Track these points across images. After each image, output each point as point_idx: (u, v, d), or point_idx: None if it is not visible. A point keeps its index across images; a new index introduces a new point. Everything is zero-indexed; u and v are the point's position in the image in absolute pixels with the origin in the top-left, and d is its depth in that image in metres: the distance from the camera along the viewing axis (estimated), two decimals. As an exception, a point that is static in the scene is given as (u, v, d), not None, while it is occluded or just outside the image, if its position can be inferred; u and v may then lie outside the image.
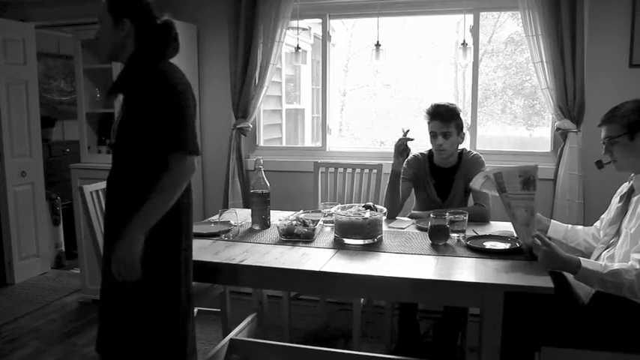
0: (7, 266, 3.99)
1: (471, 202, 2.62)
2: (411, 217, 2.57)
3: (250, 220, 2.38)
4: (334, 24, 3.95)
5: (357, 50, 6.03)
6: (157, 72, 1.63)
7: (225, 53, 3.47)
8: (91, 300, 3.58)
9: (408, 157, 2.53)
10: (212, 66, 3.67)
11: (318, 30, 3.96)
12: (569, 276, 1.86)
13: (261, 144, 3.83)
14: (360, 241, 2.07)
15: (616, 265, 1.74)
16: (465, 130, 2.63)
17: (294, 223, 2.20)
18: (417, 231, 2.30)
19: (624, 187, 2.02)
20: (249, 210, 2.42)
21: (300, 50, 3.45)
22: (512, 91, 5.75)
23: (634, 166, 1.90)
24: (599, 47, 2.98)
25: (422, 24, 5.22)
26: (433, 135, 2.57)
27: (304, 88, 5.42)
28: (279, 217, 2.35)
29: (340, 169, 3.19)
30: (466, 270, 1.80)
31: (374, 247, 2.05)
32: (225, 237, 2.19)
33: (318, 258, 1.92)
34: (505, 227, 2.27)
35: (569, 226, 2.24)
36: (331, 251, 2.00)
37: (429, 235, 2.09)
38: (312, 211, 2.53)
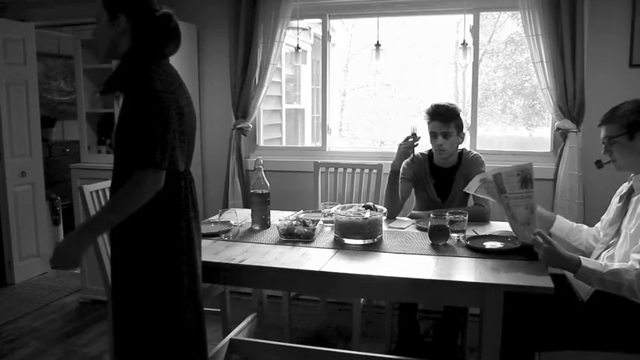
0: (7, 266, 3.99)
1: (471, 202, 2.62)
2: (411, 217, 2.57)
3: (250, 220, 2.37)
4: (334, 24, 3.95)
5: (357, 50, 6.03)
6: (144, 75, 1.57)
7: (225, 53, 3.47)
8: (90, 300, 3.58)
9: (408, 159, 2.53)
10: (212, 66, 3.67)
11: (318, 30, 3.96)
12: (569, 274, 1.86)
13: (261, 144, 3.83)
14: (360, 241, 2.07)
15: (616, 265, 1.74)
16: (464, 130, 2.63)
17: (294, 223, 2.20)
18: (417, 231, 2.30)
19: (624, 188, 2.02)
20: (249, 210, 2.42)
21: (300, 50, 3.45)
22: (512, 91, 5.75)
23: (633, 166, 1.90)
24: (599, 47, 2.98)
25: (422, 24, 5.22)
26: (433, 135, 2.57)
27: (304, 88, 5.42)
28: (279, 217, 2.35)
29: (340, 169, 3.19)
30: (466, 270, 1.80)
31: (374, 247, 2.05)
32: (225, 237, 2.19)
33: (318, 258, 1.92)
34: (505, 227, 2.26)
35: (575, 224, 2.23)
36: (331, 251, 2.00)
37: (429, 235, 2.09)
38: (312, 211, 2.52)
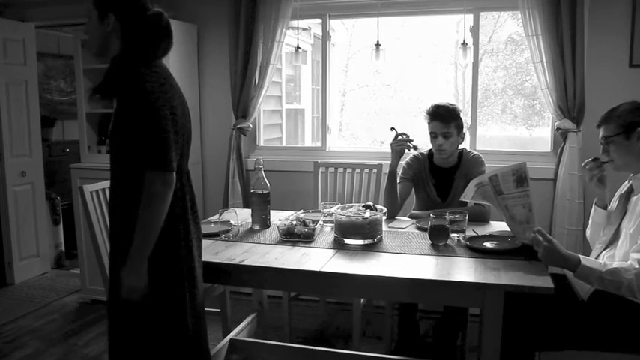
0: (7, 266, 3.99)
1: (470, 202, 2.62)
2: (411, 217, 2.57)
3: (250, 220, 2.38)
4: (334, 24, 3.95)
5: (357, 50, 6.03)
6: (135, 77, 1.56)
7: (225, 53, 3.47)
8: (90, 300, 3.58)
9: (412, 152, 2.54)
10: (212, 66, 3.67)
11: (318, 30, 3.96)
12: (568, 273, 1.86)
13: (261, 144, 3.83)
14: (360, 241, 2.07)
15: (615, 264, 1.74)
16: (465, 130, 2.63)
17: (294, 223, 2.20)
18: (417, 231, 2.30)
19: (623, 188, 2.02)
20: (249, 210, 2.42)
21: (300, 50, 3.45)
22: (512, 91, 5.75)
23: (630, 166, 1.91)
24: (599, 47, 2.98)
25: (422, 24, 5.22)
26: (433, 135, 2.57)
27: (304, 88, 5.42)
28: (279, 217, 2.35)
29: (340, 169, 3.19)
30: (466, 270, 1.80)
31: (374, 247, 2.05)
32: (225, 237, 2.19)
33: (318, 258, 1.92)
34: (505, 227, 2.26)
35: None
36: (331, 251, 2.00)
37: (429, 235, 2.09)
38: (312, 211, 2.53)
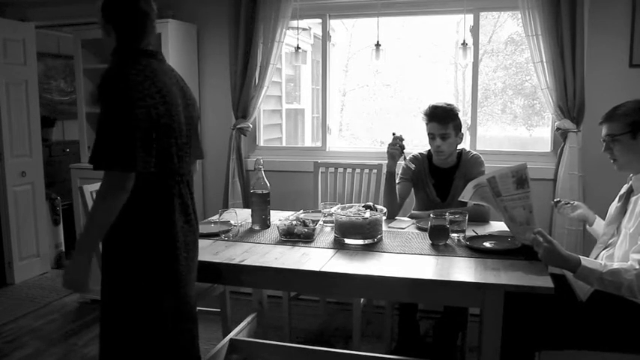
0: (7, 266, 3.99)
1: (470, 202, 2.62)
2: (411, 217, 2.57)
3: (250, 220, 2.38)
4: (334, 24, 3.95)
5: (357, 50, 6.03)
6: (112, 76, 1.56)
7: (225, 53, 3.47)
8: (90, 300, 3.58)
9: (404, 163, 2.54)
10: (212, 66, 3.67)
11: (318, 30, 3.96)
12: (568, 274, 1.86)
13: (261, 144, 3.83)
14: (360, 241, 2.07)
15: (615, 265, 1.74)
16: (463, 130, 2.63)
17: (294, 223, 2.20)
18: (417, 231, 2.30)
19: (623, 188, 2.02)
20: (249, 210, 2.42)
21: (300, 50, 3.45)
22: (512, 91, 5.75)
23: (631, 165, 1.91)
24: (599, 47, 2.98)
25: (422, 24, 5.21)
26: (431, 137, 2.57)
27: (304, 88, 5.42)
28: (279, 217, 2.35)
29: (340, 169, 3.19)
30: (466, 270, 1.80)
31: (374, 247, 2.05)
32: (225, 237, 2.19)
33: (318, 258, 1.92)
34: (505, 227, 2.26)
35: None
36: (331, 251, 2.00)
37: (429, 235, 2.09)
38: (312, 211, 2.53)
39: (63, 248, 4.55)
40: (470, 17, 3.24)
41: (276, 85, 4.50)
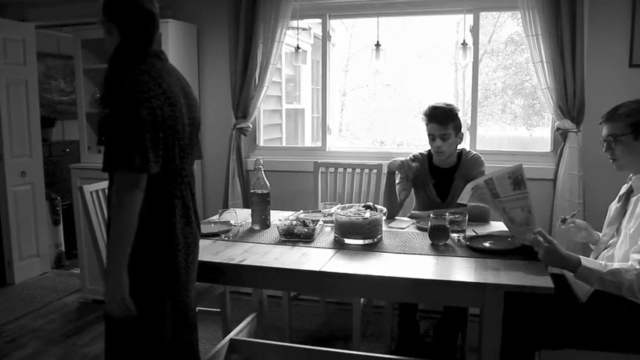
0: (7, 266, 3.99)
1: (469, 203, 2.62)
2: (411, 217, 2.57)
3: (250, 220, 2.38)
4: (334, 24, 3.95)
5: (357, 50, 6.02)
6: (117, 77, 1.56)
7: (225, 53, 3.47)
8: (90, 300, 3.58)
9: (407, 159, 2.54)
10: (212, 66, 3.67)
11: (318, 30, 3.96)
12: (568, 274, 1.86)
13: (261, 144, 3.83)
14: (360, 241, 2.07)
15: (616, 265, 1.74)
16: (463, 130, 2.63)
17: (294, 223, 2.20)
18: (417, 231, 2.30)
19: (623, 188, 2.02)
20: (249, 210, 2.42)
21: (300, 50, 3.45)
22: (512, 91, 5.75)
23: (632, 165, 1.90)
24: (599, 47, 2.98)
25: (422, 24, 5.21)
26: (431, 137, 2.57)
27: (304, 88, 5.42)
28: (279, 217, 2.35)
29: (340, 169, 3.19)
30: (466, 270, 1.80)
31: (374, 247, 2.05)
32: (225, 237, 2.19)
33: (318, 258, 1.92)
34: (505, 227, 2.26)
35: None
36: (331, 251, 2.00)
37: (429, 235, 2.09)
38: (312, 211, 2.53)
39: (63, 248, 4.55)
40: (470, 17, 3.24)
41: (276, 85, 4.50)
